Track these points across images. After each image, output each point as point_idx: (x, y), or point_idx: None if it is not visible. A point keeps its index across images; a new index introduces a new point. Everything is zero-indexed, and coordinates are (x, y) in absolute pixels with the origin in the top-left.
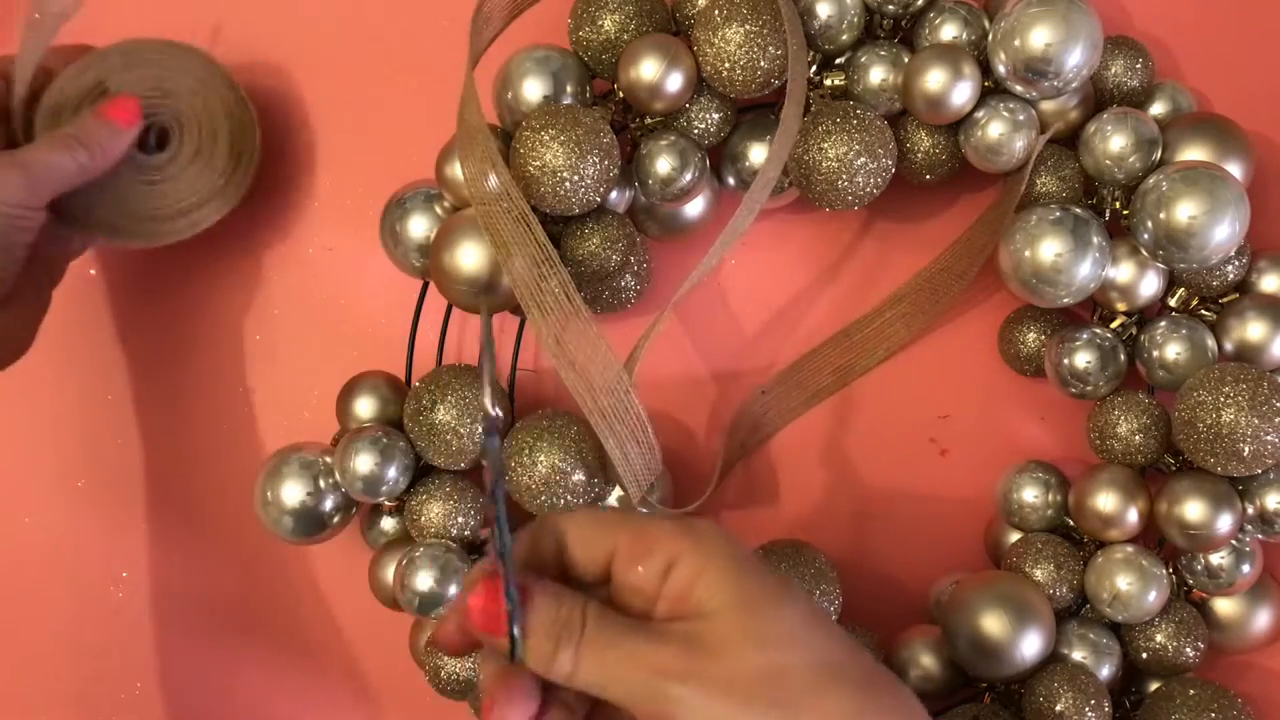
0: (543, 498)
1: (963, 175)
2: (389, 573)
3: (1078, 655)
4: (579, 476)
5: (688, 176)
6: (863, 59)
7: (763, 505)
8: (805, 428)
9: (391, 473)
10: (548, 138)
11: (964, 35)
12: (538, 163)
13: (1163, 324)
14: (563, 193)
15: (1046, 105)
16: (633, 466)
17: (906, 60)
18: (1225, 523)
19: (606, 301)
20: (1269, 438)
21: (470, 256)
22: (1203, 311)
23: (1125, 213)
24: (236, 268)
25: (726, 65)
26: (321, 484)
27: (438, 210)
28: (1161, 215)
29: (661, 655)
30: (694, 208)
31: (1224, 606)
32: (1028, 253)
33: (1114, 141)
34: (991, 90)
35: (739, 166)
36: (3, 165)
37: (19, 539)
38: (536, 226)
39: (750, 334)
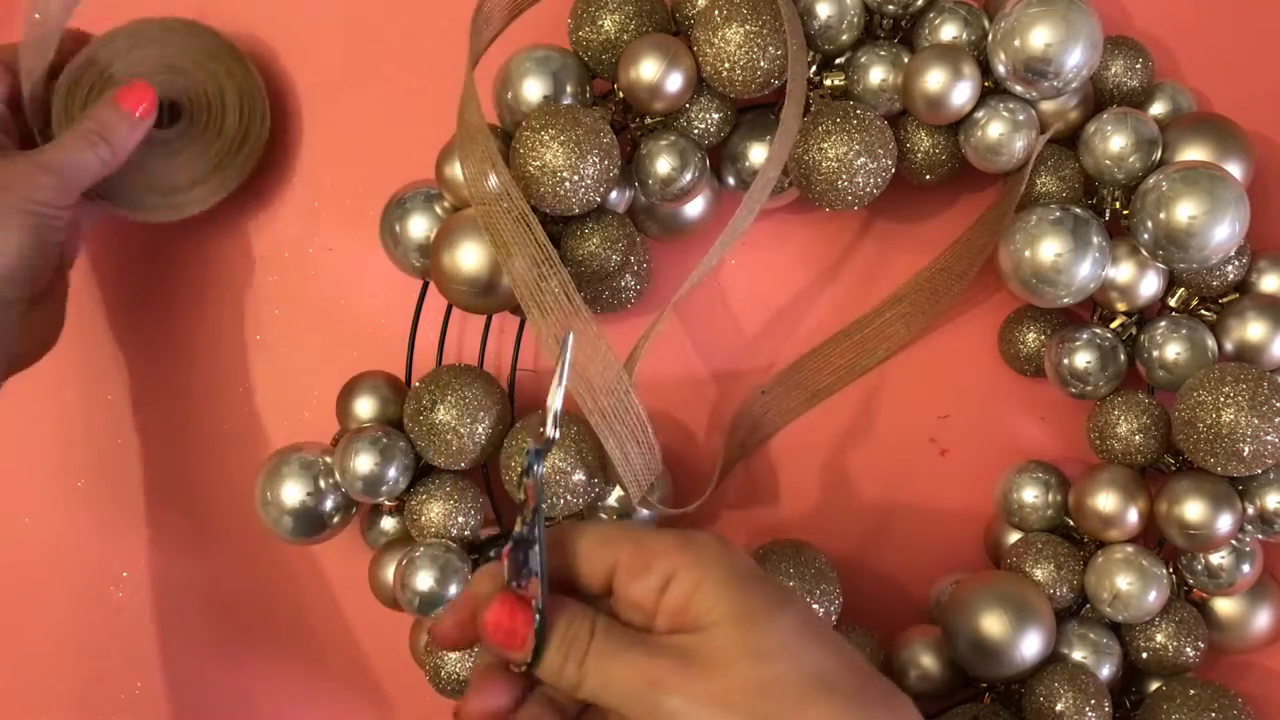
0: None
1: (963, 175)
2: (389, 573)
3: (1078, 655)
4: (579, 476)
5: (688, 176)
6: (863, 59)
7: (763, 505)
8: (805, 428)
9: (391, 473)
10: (548, 138)
11: (964, 35)
12: (538, 163)
13: (1163, 324)
14: (563, 193)
15: (1046, 105)
16: (633, 466)
17: (906, 60)
18: (1225, 523)
19: (606, 301)
20: (1269, 438)
21: (470, 256)
22: (1203, 311)
23: (1125, 213)
24: (236, 268)
25: (726, 65)
26: (321, 484)
27: (438, 210)
28: (1161, 215)
29: (658, 668)
30: (694, 208)
31: (1224, 606)
32: (1028, 253)
33: (1114, 141)
34: (991, 90)
35: (739, 166)
36: (34, 168)
37: (19, 539)
38: (536, 226)
39: (750, 334)
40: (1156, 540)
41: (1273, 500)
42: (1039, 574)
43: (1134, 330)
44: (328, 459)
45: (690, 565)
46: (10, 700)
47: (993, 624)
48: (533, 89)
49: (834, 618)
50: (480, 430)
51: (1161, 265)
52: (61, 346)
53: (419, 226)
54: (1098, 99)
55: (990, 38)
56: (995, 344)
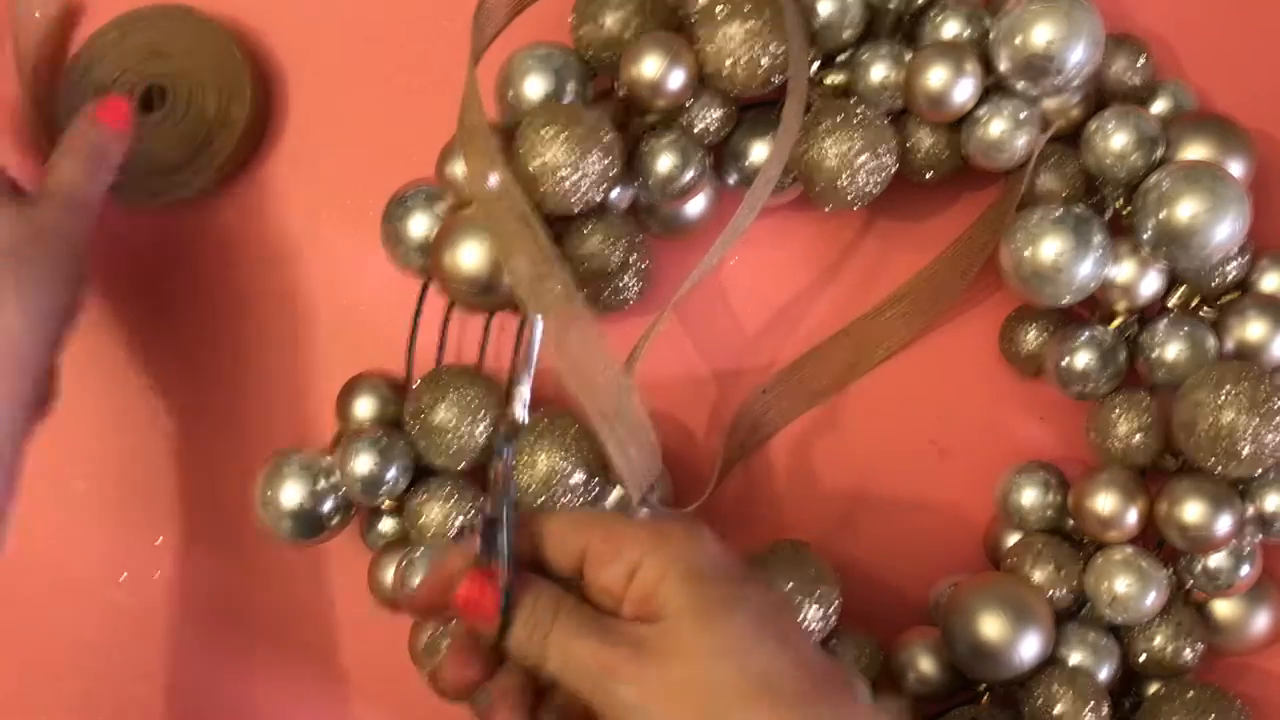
0: (543, 498)
1: (964, 173)
2: (388, 574)
3: (1077, 657)
4: (579, 476)
5: (689, 175)
6: (864, 57)
7: (763, 505)
8: (805, 428)
9: (391, 473)
10: (549, 136)
11: (966, 33)
12: (539, 161)
13: (1163, 324)
14: (563, 191)
15: (1048, 103)
16: (633, 466)
17: (908, 58)
18: (1225, 524)
19: (606, 301)
20: (1269, 438)
21: (471, 256)
22: (1203, 311)
23: (1126, 211)
24: (236, 267)
25: (728, 63)
26: (321, 484)
27: (438, 210)
28: (1163, 214)
29: (614, 655)
30: (695, 206)
31: (1223, 608)
32: (1028, 252)
33: (1116, 140)
34: (993, 88)
35: (740, 164)
36: (64, 210)
37: (19, 540)
38: (537, 226)
39: (750, 334)
40: (1156, 541)
41: (1273, 501)
42: (1038, 575)
43: (1134, 330)
44: (328, 459)
45: (656, 555)
46: (10, 701)
47: (992, 626)
48: (534, 87)
49: (834, 619)
50: (480, 430)
51: (1162, 264)
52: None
53: (419, 226)
54: (1100, 97)
55: (992, 35)
56: (995, 344)
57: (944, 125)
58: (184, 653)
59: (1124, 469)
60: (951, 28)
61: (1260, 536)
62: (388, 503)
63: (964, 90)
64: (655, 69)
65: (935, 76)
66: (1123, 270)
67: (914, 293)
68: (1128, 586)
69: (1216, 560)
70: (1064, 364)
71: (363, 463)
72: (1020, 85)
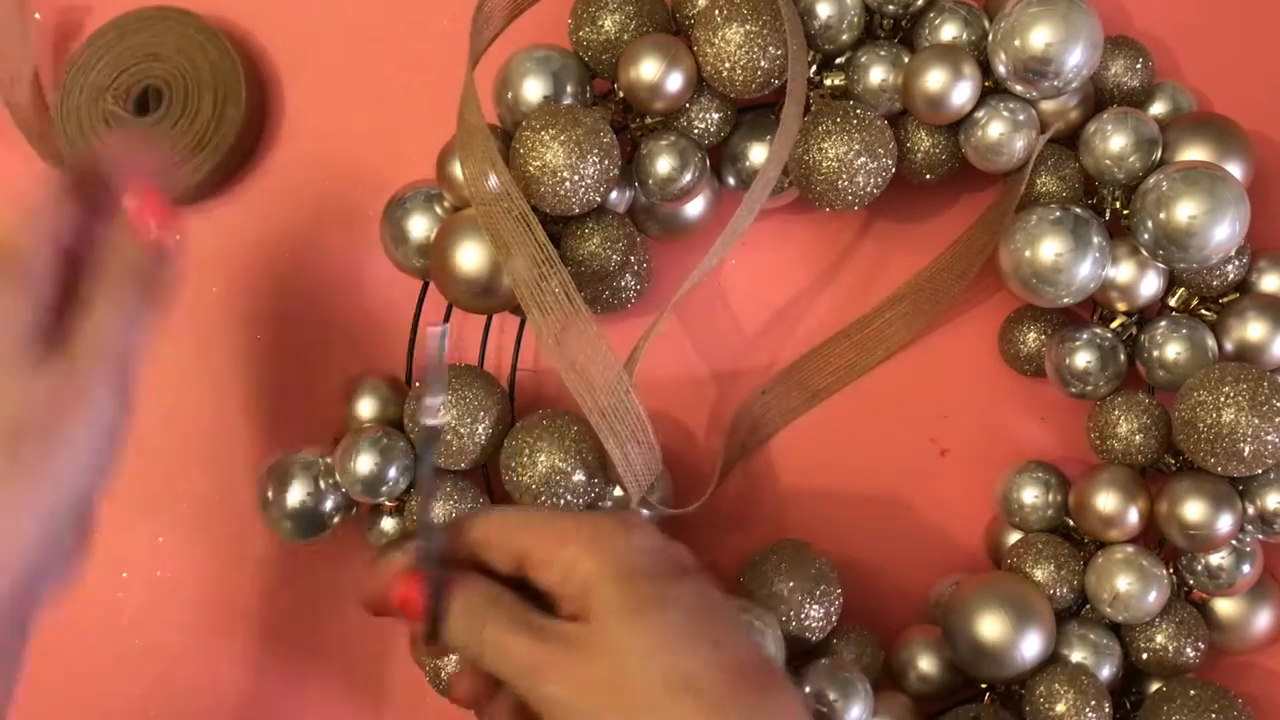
0: (543, 498)
1: (963, 175)
2: None
3: (1078, 656)
4: (579, 476)
5: (688, 176)
6: (863, 59)
7: (763, 505)
8: (805, 428)
9: (392, 473)
10: (548, 137)
11: (964, 35)
12: (538, 162)
13: (1163, 324)
14: (563, 192)
15: (1047, 105)
16: (633, 466)
17: (906, 60)
18: (1225, 523)
19: (606, 301)
20: (1269, 438)
21: (470, 256)
22: (1203, 311)
23: (1125, 212)
24: (236, 267)
25: (727, 65)
26: (322, 484)
27: (438, 210)
28: (1161, 215)
29: (542, 652)
30: (694, 208)
31: (1224, 607)
32: (1028, 252)
33: (1114, 141)
34: (992, 90)
35: (739, 166)
36: (101, 367)
37: None
38: (536, 226)
39: (750, 334)
40: (1157, 541)
41: (1273, 500)
42: (1039, 574)
43: (1134, 330)
44: (328, 459)
45: (588, 554)
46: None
47: (993, 624)
48: (533, 89)
49: (834, 618)
50: (480, 430)
51: (1161, 265)
52: None
53: (419, 226)
54: (1098, 99)
55: (990, 37)
56: (995, 344)
57: (943, 127)
58: (183, 652)
59: (1124, 468)
60: (950, 30)
61: (1261, 535)
62: (388, 502)
63: (962, 92)
64: (654, 71)
65: (934, 79)
66: (1122, 271)
67: (913, 294)
68: (1129, 585)
69: (1217, 559)
70: (1064, 364)
71: (363, 463)
72: (1019, 87)
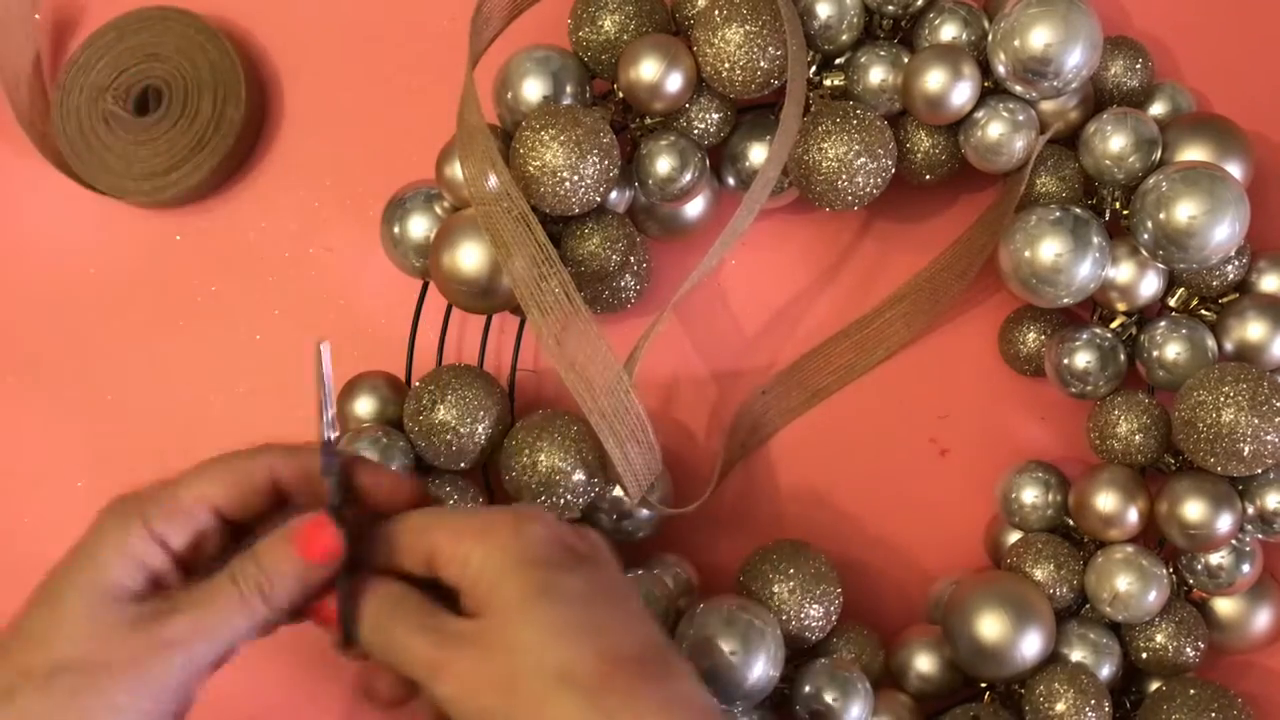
0: (542, 497)
1: (962, 175)
2: None
3: (1078, 655)
4: (579, 476)
5: (688, 177)
6: (862, 59)
7: (763, 505)
8: (805, 428)
9: None
10: (548, 138)
11: (964, 35)
12: (537, 163)
13: (1163, 324)
14: (562, 193)
15: (1046, 105)
16: (633, 466)
17: (906, 60)
18: (1225, 523)
19: (606, 301)
20: (1269, 438)
21: (470, 257)
22: (1203, 311)
23: (1125, 213)
24: (236, 267)
25: (726, 65)
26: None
27: (438, 210)
28: (1161, 215)
29: (440, 651)
30: (694, 208)
31: (1224, 606)
32: (1028, 253)
33: (1114, 142)
34: (991, 90)
35: (739, 166)
36: (153, 647)
37: (19, 539)
38: (536, 226)
39: (750, 334)
40: (1156, 540)
41: (1273, 500)
42: (1039, 574)
43: (1134, 330)
44: None
45: (482, 549)
46: None
47: (993, 624)
48: (532, 89)
49: (834, 618)
50: (480, 430)
51: (1161, 265)
52: (61, 347)
53: (419, 226)
54: (1098, 99)
55: (990, 38)
56: (995, 344)
57: (942, 127)
58: None
59: (1124, 468)
60: (949, 30)
61: (1260, 535)
62: None
63: (962, 93)
64: (653, 71)
65: (933, 79)
66: (1122, 271)
67: (913, 294)
68: (1128, 585)
69: (1217, 559)
70: (1064, 364)
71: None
72: (1018, 88)
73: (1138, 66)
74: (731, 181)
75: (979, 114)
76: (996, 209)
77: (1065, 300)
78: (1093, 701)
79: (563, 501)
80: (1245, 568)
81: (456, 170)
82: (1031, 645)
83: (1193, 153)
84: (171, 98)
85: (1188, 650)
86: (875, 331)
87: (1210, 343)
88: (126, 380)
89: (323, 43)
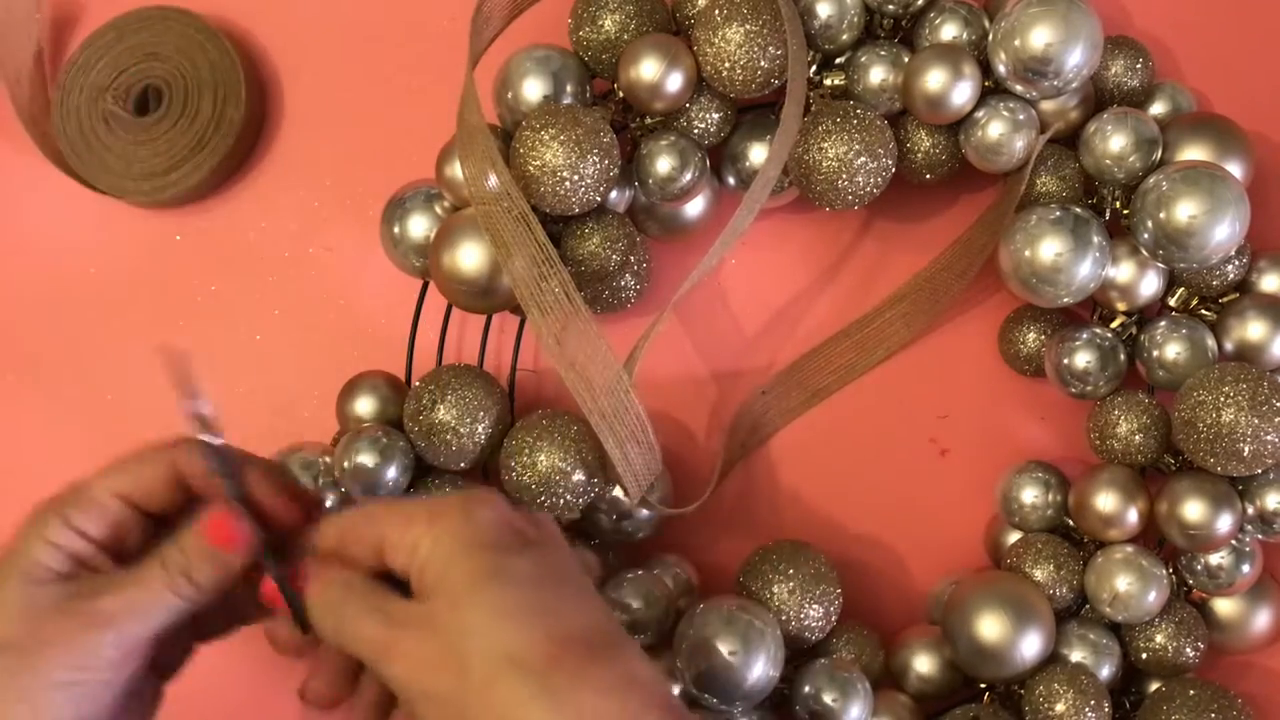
0: (542, 497)
1: (963, 175)
2: None
3: (1078, 655)
4: (579, 476)
5: (688, 176)
6: (863, 59)
7: (763, 505)
8: (805, 428)
9: (391, 473)
10: (548, 137)
11: (964, 35)
12: (538, 162)
13: (1163, 324)
14: (563, 192)
15: (1046, 105)
16: (633, 466)
17: (906, 60)
18: (1225, 523)
19: (606, 301)
20: (1269, 438)
21: (470, 256)
22: (1203, 311)
23: (1125, 212)
24: (236, 267)
25: (727, 65)
26: (320, 484)
27: (438, 210)
28: (1161, 215)
29: (389, 634)
30: (694, 208)
31: (1224, 607)
32: (1028, 252)
33: (1114, 141)
34: (992, 90)
35: (739, 166)
36: (85, 623)
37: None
38: (536, 226)
39: (750, 334)
40: (1156, 540)
41: (1273, 500)
42: (1039, 574)
43: (1134, 330)
44: (327, 459)
45: (429, 533)
46: None
47: (992, 624)
48: (533, 89)
49: (834, 618)
50: (480, 430)
51: (1161, 265)
52: (61, 347)
53: (419, 226)
54: (1098, 99)
55: (990, 37)
56: (995, 344)
57: (942, 127)
58: None
59: (1124, 468)
60: (950, 30)
61: (1260, 535)
62: None
63: (962, 92)
64: (654, 71)
65: (934, 79)
66: (1122, 271)
67: (913, 294)
68: (1128, 585)
69: (1217, 559)
70: (1064, 364)
71: (363, 462)
72: (1019, 87)
73: (1138, 66)
74: (731, 181)
75: (979, 114)
76: (996, 209)
77: (1065, 300)
78: (1092, 702)
79: (562, 501)
80: (1245, 568)
81: (456, 170)
82: (1031, 645)
83: (1193, 152)
84: (171, 98)
85: (1188, 650)
86: (875, 331)
87: (1210, 343)
88: (126, 380)
89: (323, 43)
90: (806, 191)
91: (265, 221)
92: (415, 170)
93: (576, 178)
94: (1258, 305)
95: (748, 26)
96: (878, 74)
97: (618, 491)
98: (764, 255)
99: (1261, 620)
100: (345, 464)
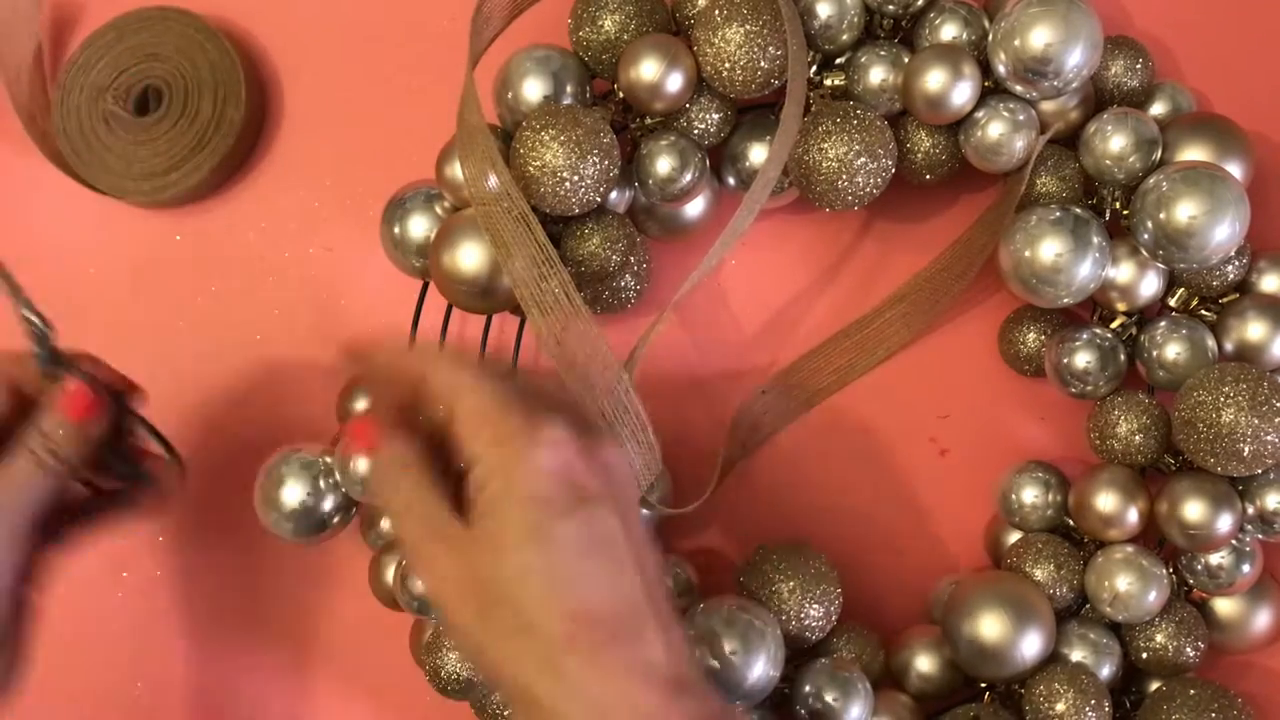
0: None
1: (963, 175)
2: (389, 573)
3: (1078, 655)
4: None
5: (688, 177)
6: (863, 59)
7: (763, 505)
8: (805, 428)
9: None
10: (548, 138)
11: (964, 35)
12: (538, 163)
13: (1163, 324)
14: (563, 193)
15: (1046, 105)
16: (633, 466)
17: (906, 60)
18: (1225, 523)
19: (606, 301)
20: (1269, 438)
21: (470, 256)
22: (1203, 311)
23: (1125, 213)
24: (236, 267)
25: (727, 65)
26: (321, 484)
27: (438, 210)
28: (1161, 215)
29: (426, 543)
30: (694, 208)
31: (1224, 606)
32: (1028, 253)
33: (1114, 141)
34: (991, 90)
35: (739, 167)
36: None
37: None
38: (536, 227)
39: (750, 334)
40: (1156, 540)
41: (1273, 500)
42: (1039, 574)
43: (1134, 330)
44: (328, 459)
45: (488, 464)
46: (10, 701)
47: (993, 624)
48: (533, 89)
49: (834, 618)
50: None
51: (1161, 265)
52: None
53: (419, 226)
54: (1098, 99)
55: (990, 38)
56: (995, 344)
57: (942, 127)
58: (184, 652)
59: (1124, 468)
60: (950, 30)
61: (1260, 535)
62: None
63: (962, 93)
64: (654, 71)
65: (934, 79)
66: (1122, 271)
67: (913, 294)
68: (1128, 585)
69: (1217, 559)
70: (1064, 364)
71: (363, 462)
72: (1019, 87)
73: (1138, 66)
74: (731, 181)
75: (979, 114)
76: (996, 209)
77: (1065, 300)
78: (1093, 701)
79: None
80: (1245, 568)
81: (456, 170)
82: (1031, 645)
83: (1193, 153)
84: (171, 98)
85: (1188, 650)
86: (875, 331)
87: (1210, 343)
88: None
89: (323, 43)
90: (806, 192)
91: (265, 221)
92: (415, 170)
93: (576, 178)
94: (1258, 305)
95: (748, 27)
96: (878, 74)
97: None
98: (764, 255)
99: (1261, 620)
100: (345, 464)
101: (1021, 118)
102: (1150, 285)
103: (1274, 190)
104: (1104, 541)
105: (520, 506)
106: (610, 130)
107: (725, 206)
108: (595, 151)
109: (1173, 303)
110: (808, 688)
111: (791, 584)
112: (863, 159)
